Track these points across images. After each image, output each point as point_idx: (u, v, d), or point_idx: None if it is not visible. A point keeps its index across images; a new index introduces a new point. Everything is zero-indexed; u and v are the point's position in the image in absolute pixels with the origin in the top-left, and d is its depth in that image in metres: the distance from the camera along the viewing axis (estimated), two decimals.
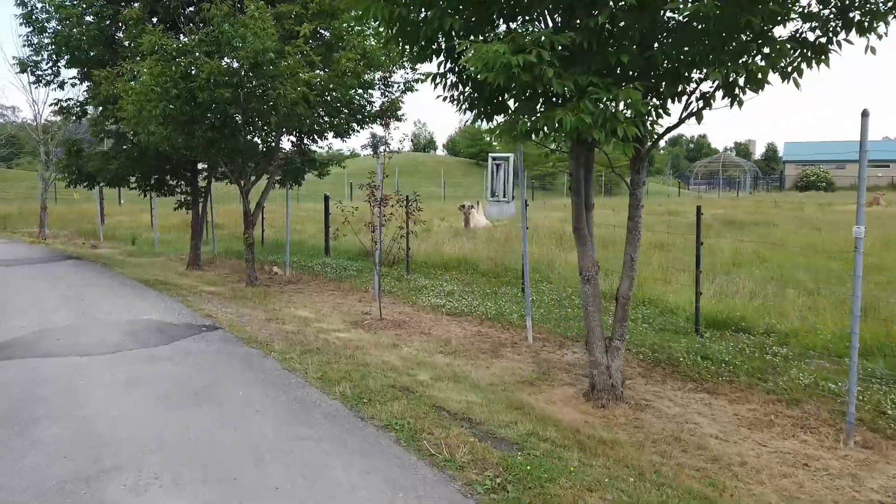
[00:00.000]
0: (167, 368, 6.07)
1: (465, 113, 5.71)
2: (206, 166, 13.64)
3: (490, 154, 30.13)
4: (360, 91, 11.69)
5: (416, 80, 12.81)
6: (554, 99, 4.46)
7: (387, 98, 12.50)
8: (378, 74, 12.18)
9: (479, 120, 5.65)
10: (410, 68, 12.44)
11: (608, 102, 3.96)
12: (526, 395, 5.90)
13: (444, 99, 5.57)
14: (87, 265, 13.39)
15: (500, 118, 5.71)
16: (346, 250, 16.63)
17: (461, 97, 5.54)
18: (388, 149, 9.22)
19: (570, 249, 15.63)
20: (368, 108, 12.46)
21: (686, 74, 4.49)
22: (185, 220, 17.61)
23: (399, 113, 12.34)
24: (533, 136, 4.47)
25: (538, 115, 4.12)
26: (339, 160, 12.70)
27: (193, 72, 9.25)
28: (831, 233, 18.52)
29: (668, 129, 5.30)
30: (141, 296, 9.72)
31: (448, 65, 5.29)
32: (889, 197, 38.65)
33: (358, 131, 12.94)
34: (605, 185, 53.84)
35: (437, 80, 5.45)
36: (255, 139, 11.18)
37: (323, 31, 10.99)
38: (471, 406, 5.19)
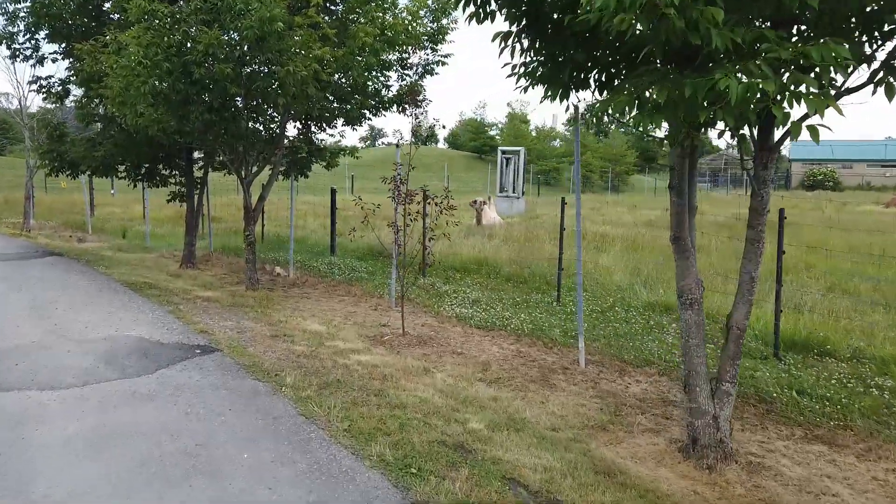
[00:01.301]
0: (150, 414, 4.69)
1: (532, 87, 4.46)
2: (202, 154, 12.34)
3: (500, 148, 28.84)
4: (375, 73, 10.39)
5: (437, 62, 11.52)
6: (691, 60, 3.20)
7: (405, 81, 11.20)
8: (395, 56, 10.88)
9: (552, 97, 4.40)
10: (463, 18, 11.16)
11: (794, 63, 2.71)
12: (605, 449, 4.65)
13: (513, 68, 4.31)
14: (69, 263, 12.06)
15: (583, 95, 4.46)
16: (353, 249, 15.35)
17: (534, 65, 4.28)
18: (411, 139, 7.94)
19: (599, 251, 14.39)
20: (384, 92, 11.16)
21: (883, 28, 3.20)
22: (179, 212, 16.25)
23: (419, 99, 11.04)
24: (663, 112, 3.19)
25: (686, 79, 2.86)
26: (353, 150, 11.40)
27: (189, 44, 7.95)
28: (865, 235, 17.31)
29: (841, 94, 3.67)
30: (125, 304, 8.39)
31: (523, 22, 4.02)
32: None
33: (370, 119, 11.66)
34: (612, 181, 52.59)
35: (508, 42, 4.18)
36: (258, 124, 9.87)
37: (336, 2, 9.70)
38: (551, 475, 3.93)
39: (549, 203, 34.64)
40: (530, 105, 75.20)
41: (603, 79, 4.27)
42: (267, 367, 5.75)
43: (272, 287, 10.92)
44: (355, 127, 11.46)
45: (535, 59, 4.19)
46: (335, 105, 10.46)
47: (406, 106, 11.34)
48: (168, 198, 13.33)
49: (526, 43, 4.18)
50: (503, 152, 29.40)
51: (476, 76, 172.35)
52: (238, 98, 8.71)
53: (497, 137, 61.08)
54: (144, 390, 5.04)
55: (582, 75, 4.24)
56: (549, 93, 4.29)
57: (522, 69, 4.36)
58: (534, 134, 58.80)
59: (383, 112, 11.50)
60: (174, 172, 12.95)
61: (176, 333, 6.79)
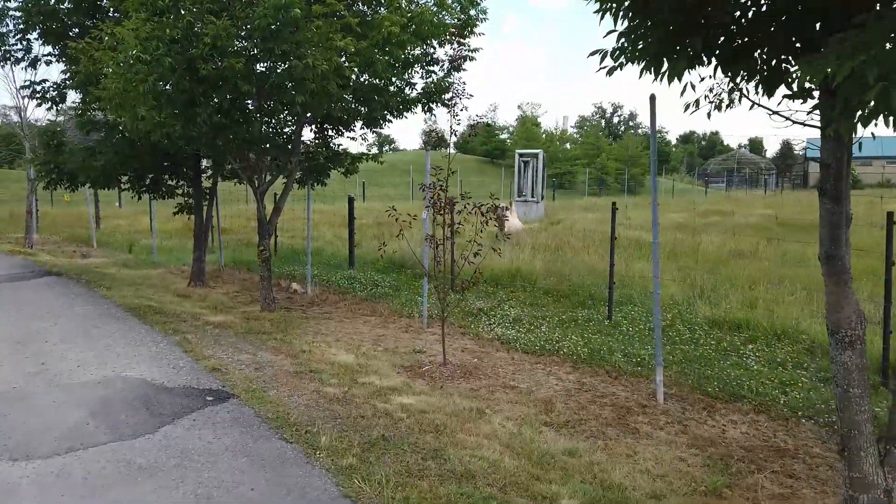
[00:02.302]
0: (149, 498, 3.62)
1: (632, 63, 3.44)
2: (210, 163, 11.39)
3: (517, 150, 27.80)
4: (398, 68, 9.37)
5: (465, 58, 10.48)
6: None
7: (431, 78, 10.18)
8: (419, 50, 9.87)
9: (661, 74, 3.37)
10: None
11: None
12: None
13: (618, 37, 3.29)
14: (66, 285, 11.07)
15: (699, 71, 3.43)
16: (373, 261, 14.35)
17: (643, 34, 3.25)
18: (452, 137, 6.94)
19: (638, 258, 13.32)
20: (407, 91, 10.15)
21: None
22: (188, 223, 15.24)
23: (447, 97, 10.04)
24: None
25: None
26: (375, 155, 10.39)
27: (194, 37, 6.97)
28: None
29: None
30: (126, 334, 7.35)
31: None
32: None
33: (391, 121, 10.65)
34: (628, 182, 51.44)
35: (609, 4, 3.16)
36: (272, 128, 8.88)
37: None
38: None
39: (566, 207, 33.52)
40: (542, 107, 74.06)
41: (730, 48, 3.24)
42: (294, 418, 4.72)
43: (289, 307, 9.92)
44: (375, 130, 10.39)
45: (639, 25, 3.16)
46: (354, 106, 9.47)
47: (434, 105, 10.42)
48: (175, 210, 12.39)
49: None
50: (521, 155, 28.38)
51: (487, 76, 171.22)
52: (250, 98, 7.72)
53: (508, 141, 60.05)
54: (143, 459, 4.00)
55: (686, 50, 3.23)
56: (666, 66, 3.26)
57: (624, 41, 3.34)
58: (543, 136, 57.71)
59: (406, 113, 10.48)
60: (181, 182, 12.01)
61: (183, 373, 5.77)
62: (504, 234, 19.59)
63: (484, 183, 52.02)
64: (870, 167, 68.66)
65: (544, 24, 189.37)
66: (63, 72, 10.85)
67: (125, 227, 22.67)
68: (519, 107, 75.96)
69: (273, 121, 8.84)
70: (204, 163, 12.08)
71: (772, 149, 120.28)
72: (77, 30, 9.82)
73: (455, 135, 6.89)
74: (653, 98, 5.39)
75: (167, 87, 7.25)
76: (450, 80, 10.06)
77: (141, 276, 12.64)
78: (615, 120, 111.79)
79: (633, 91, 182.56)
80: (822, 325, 8.00)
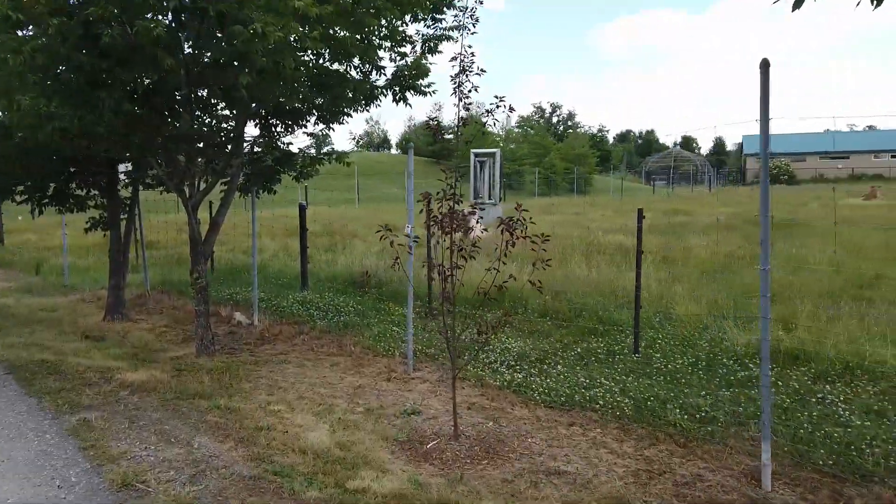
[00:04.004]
0: None
1: None
2: (129, 167, 9.25)
3: (472, 150, 26.19)
4: (367, 43, 7.49)
5: (441, 38, 8.66)
6: None
7: (404, 60, 8.34)
8: (385, 28, 8.02)
9: None
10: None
11: None
12: None
13: None
14: None
15: None
16: (328, 278, 12.41)
17: None
18: (459, 127, 5.13)
19: (626, 267, 11.80)
20: (374, 76, 8.26)
21: None
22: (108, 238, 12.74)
23: (422, 83, 8.25)
24: None
25: None
26: (341, 156, 8.46)
27: None
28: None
29: None
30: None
31: None
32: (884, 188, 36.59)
33: (351, 116, 8.76)
34: (576, 182, 50.66)
35: None
36: (207, 120, 6.87)
37: None
38: None
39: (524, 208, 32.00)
40: (486, 106, 72.90)
41: None
42: None
43: (233, 346, 7.92)
44: (332, 126, 8.44)
45: None
46: (313, 93, 7.54)
47: (408, 93, 8.58)
48: (86, 226, 10.15)
49: None
50: (476, 155, 26.75)
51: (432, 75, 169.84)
52: (175, 80, 5.71)
53: (454, 141, 58.26)
54: None
55: None
56: None
57: None
58: (497, 138, 56.40)
59: (372, 104, 8.59)
60: (92, 193, 9.78)
61: (75, 496, 3.73)
62: (470, 241, 17.67)
63: (429, 185, 50.00)
64: (804, 162, 70.41)
65: (483, 23, 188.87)
66: None
67: (35, 242, 19.85)
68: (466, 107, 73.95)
69: (208, 112, 6.84)
70: (121, 168, 9.90)
71: (705, 146, 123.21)
72: None
73: (463, 124, 5.08)
74: (765, 64, 3.78)
75: (56, 64, 5.20)
76: (427, 60, 8.26)
77: (45, 307, 10.33)
78: (554, 119, 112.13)
79: (575, 93, 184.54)
80: (878, 347, 6.64)
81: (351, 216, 25.80)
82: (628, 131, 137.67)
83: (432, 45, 8.61)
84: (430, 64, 8.22)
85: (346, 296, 10.76)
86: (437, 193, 4.93)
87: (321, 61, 7.29)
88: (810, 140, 74.85)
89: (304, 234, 11.56)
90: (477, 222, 17.20)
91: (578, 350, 7.34)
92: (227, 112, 7.32)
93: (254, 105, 6.49)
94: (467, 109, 4.95)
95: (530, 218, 4.76)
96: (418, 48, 8.53)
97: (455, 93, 4.87)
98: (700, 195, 47.20)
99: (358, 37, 6.92)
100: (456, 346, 5.23)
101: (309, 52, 6.68)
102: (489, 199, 26.02)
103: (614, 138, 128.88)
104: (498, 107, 4.76)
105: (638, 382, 6.21)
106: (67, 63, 5.12)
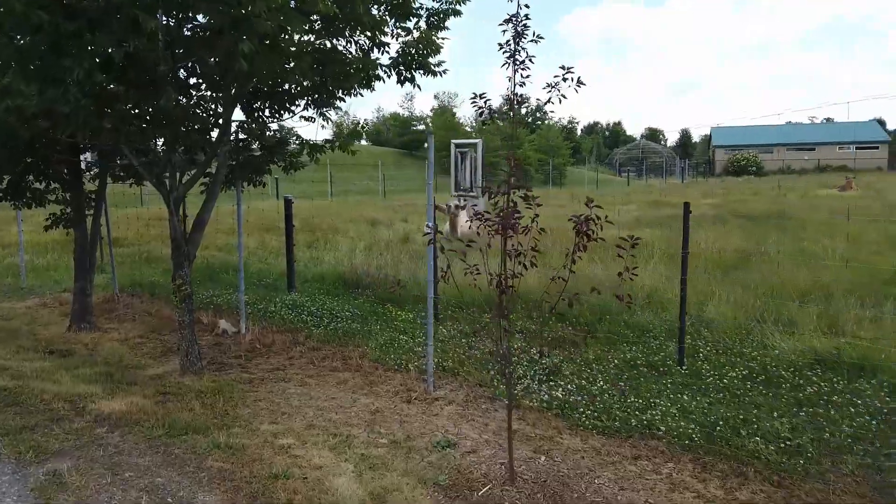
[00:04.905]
0: None
1: None
2: (95, 156, 8.17)
3: (453, 140, 25.29)
4: (378, 19, 6.57)
5: (447, 13, 7.73)
6: None
7: (409, 36, 7.39)
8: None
9: None
10: None
11: None
12: None
13: None
14: None
15: None
16: (316, 277, 11.44)
17: None
18: (510, 108, 4.24)
19: (642, 262, 11.07)
20: (376, 54, 7.30)
21: None
22: (70, 234, 11.46)
23: (433, 62, 7.34)
24: None
25: None
26: (345, 144, 7.51)
27: None
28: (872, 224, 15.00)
29: None
30: None
31: None
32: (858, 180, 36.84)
33: (344, 100, 7.79)
34: (551, 174, 50.15)
35: None
36: (186, 99, 5.83)
37: None
38: None
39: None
40: (458, 97, 72.16)
41: None
42: None
43: (222, 361, 6.96)
44: (325, 111, 7.48)
45: None
46: (313, 71, 6.57)
47: (415, 73, 7.66)
48: (46, 223, 9.01)
49: None
50: (457, 146, 25.88)
51: None
52: (153, 46, 4.70)
53: (425, 132, 57.35)
54: None
55: None
56: None
57: None
58: (469, 129, 55.54)
59: (370, 86, 7.63)
60: (53, 186, 8.64)
61: None
62: (457, 235, 16.62)
63: (405, 177, 49.03)
64: (770, 154, 71.19)
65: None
66: None
67: None
68: (435, 96, 73.19)
69: (192, 90, 5.82)
70: (86, 157, 8.80)
71: (671, 138, 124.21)
72: None
73: (518, 103, 4.18)
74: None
75: (11, 25, 4.18)
76: (438, 37, 7.35)
77: (0, 315, 9.17)
78: (523, 111, 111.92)
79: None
80: None
81: (327, 210, 24.72)
82: (596, 123, 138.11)
83: (438, 18, 7.69)
84: (443, 39, 7.31)
85: (339, 298, 9.83)
86: (497, 185, 4.02)
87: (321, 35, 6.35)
88: (776, 132, 75.78)
89: (290, 230, 10.56)
90: (455, 214, 16.21)
91: (616, 361, 6.56)
92: (209, 93, 6.31)
93: (254, 80, 5.51)
94: (522, 85, 4.06)
95: (606, 216, 3.91)
96: (422, 23, 7.60)
97: (510, 63, 3.97)
98: (675, 186, 47.14)
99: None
100: (512, 371, 4.38)
101: (314, 21, 5.75)
102: (472, 190, 25.19)
103: (582, 130, 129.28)
104: (564, 79, 3.87)
105: (696, 401, 5.47)
106: (25, 23, 4.10)
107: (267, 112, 7.56)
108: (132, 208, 21.34)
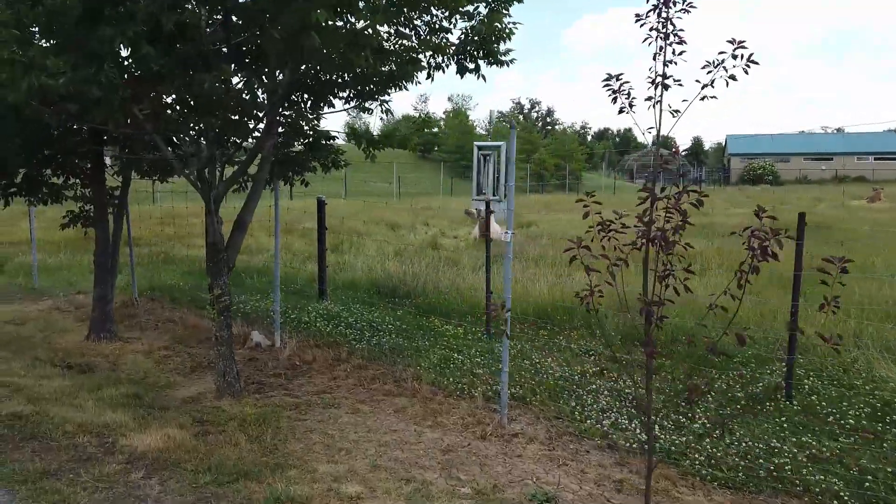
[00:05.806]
0: None
1: None
2: (118, 148, 7.42)
3: (476, 143, 24.47)
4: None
5: None
6: None
7: (473, 21, 6.59)
8: None
9: None
10: None
11: None
12: None
13: None
14: None
15: None
16: (347, 283, 10.67)
17: None
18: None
19: (696, 276, 10.27)
20: (434, 40, 6.48)
21: None
22: (87, 232, 10.63)
23: (500, 48, 6.53)
24: None
25: None
26: (405, 139, 6.73)
27: None
28: None
29: None
30: None
31: None
32: (888, 191, 35.90)
33: (407, 88, 6.93)
34: (567, 179, 49.35)
35: None
36: (243, 82, 5.06)
37: None
38: None
39: (523, 205, 30.36)
40: (472, 100, 71.22)
41: None
42: None
43: (260, 380, 6.19)
44: (368, 104, 6.65)
45: None
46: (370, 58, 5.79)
47: (480, 63, 6.86)
48: (63, 221, 8.28)
49: None
50: (480, 148, 25.00)
51: None
52: (207, 20, 3.92)
53: (441, 135, 56.51)
54: None
55: None
56: None
57: None
58: (485, 132, 54.73)
59: (430, 77, 6.81)
60: (73, 181, 7.90)
61: None
62: (478, 238, 15.69)
63: (422, 179, 48.13)
64: (787, 163, 70.16)
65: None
66: None
67: None
68: (449, 98, 72.38)
69: (249, 68, 5.03)
70: (107, 149, 8.05)
71: (683, 145, 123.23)
72: None
73: (664, 86, 3.37)
74: None
75: None
76: (506, 14, 6.49)
77: (12, 319, 8.43)
78: (533, 115, 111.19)
79: (550, 89, 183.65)
80: None
81: (344, 211, 23.95)
82: (606, 129, 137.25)
83: (500, 3, 6.84)
84: (515, 24, 6.48)
85: (376, 308, 9.05)
86: (663, 189, 3.24)
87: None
88: (793, 141, 74.78)
89: (322, 234, 9.79)
90: (482, 219, 15.41)
91: (713, 393, 5.75)
92: (263, 76, 5.54)
93: (316, 62, 4.74)
94: (670, 64, 3.26)
95: (786, 231, 3.12)
96: (481, 8, 6.77)
97: (658, 36, 3.18)
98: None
99: None
100: (653, 422, 3.58)
101: None
102: (494, 194, 24.39)
103: (592, 136, 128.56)
104: (734, 56, 3.08)
105: (826, 446, 4.66)
106: None
107: (307, 105, 6.78)
108: (145, 206, 20.60)
